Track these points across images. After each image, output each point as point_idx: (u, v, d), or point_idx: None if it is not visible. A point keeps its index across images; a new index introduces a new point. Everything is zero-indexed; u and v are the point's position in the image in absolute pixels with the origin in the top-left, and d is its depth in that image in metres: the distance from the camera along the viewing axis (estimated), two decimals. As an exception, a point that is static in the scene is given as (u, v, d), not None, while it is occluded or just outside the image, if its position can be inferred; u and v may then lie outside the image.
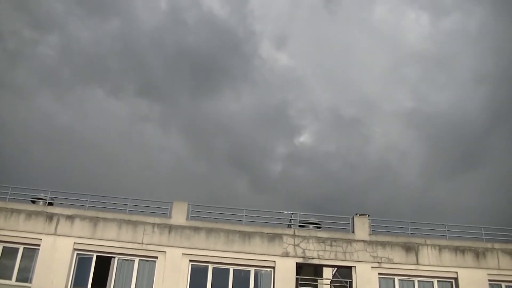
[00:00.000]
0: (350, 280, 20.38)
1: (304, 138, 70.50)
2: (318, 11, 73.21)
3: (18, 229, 20.13)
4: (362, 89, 68.80)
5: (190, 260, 20.20)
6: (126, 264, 20.24)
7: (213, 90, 70.38)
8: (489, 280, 20.80)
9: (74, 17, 67.89)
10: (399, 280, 20.76)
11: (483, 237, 21.65)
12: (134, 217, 20.65)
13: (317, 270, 21.96)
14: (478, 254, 21.10)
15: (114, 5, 70.69)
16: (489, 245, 21.34)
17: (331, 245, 20.71)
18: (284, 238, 20.63)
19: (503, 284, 21.01)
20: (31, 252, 20.05)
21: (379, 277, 20.56)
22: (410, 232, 21.49)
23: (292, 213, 21.79)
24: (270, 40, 74.40)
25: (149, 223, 20.53)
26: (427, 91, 68.44)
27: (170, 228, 20.49)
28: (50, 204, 21.44)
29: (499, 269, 20.95)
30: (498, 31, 66.83)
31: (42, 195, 21.55)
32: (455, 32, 69.41)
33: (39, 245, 19.93)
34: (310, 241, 20.68)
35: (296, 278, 20.11)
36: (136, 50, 68.85)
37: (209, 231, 20.56)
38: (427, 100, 66.95)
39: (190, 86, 71.19)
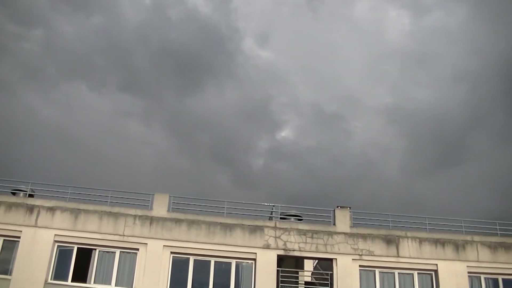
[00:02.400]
0: (331, 272, 20.48)
1: (286, 133, 71.21)
2: (301, 9, 74.08)
3: (-3, 220, 19.97)
4: (344, 85, 69.71)
5: (171, 252, 20.20)
6: (107, 256, 20.19)
7: (197, 86, 70.80)
8: (469, 273, 21.02)
9: (58, 12, 67.66)
10: (379, 272, 20.91)
11: (463, 230, 21.87)
12: (115, 209, 20.59)
13: (298, 262, 22.08)
14: (458, 246, 21.30)
15: (99, 0, 70.63)
16: (468, 238, 21.55)
17: (312, 237, 20.79)
18: (266, 230, 20.67)
19: (482, 276, 21.25)
20: (11, 244, 19.92)
21: (359, 269, 20.69)
22: (391, 225, 21.65)
23: (274, 205, 21.83)
24: (253, 37, 75.30)
25: (131, 215, 20.48)
26: (408, 88, 69.34)
27: (152, 220, 20.46)
28: (31, 196, 21.29)
29: (478, 261, 21.18)
30: (478, 31, 67.92)
31: (22, 187, 21.42)
32: (436, 30, 70.46)
33: (19, 237, 19.79)
34: (291, 233, 20.75)
35: (277, 270, 20.17)
36: (120, 46, 68.93)
37: (191, 223, 20.55)
38: (408, 97, 67.87)
39: (174, 82, 71.59)
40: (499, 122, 63.20)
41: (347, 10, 74.68)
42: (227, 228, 20.59)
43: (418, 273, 21.04)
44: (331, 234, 20.93)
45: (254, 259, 20.32)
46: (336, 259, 20.60)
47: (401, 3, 74.61)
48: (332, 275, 20.43)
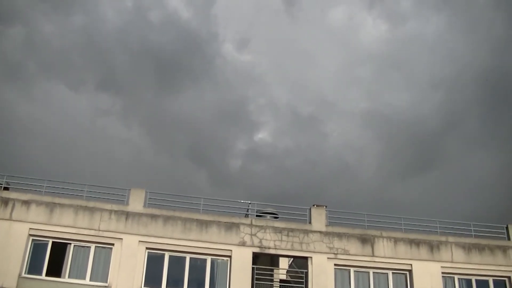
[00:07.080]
0: (306, 271, 20.56)
1: (263, 135, 72.36)
2: (279, 15, 75.30)
3: (-28, 213, 19.81)
4: (320, 88, 71.16)
5: (147, 248, 20.15)
6: (82, 250, 20.09)
7: (175, 88, 71.63)
8: (443, 273, 21.24)
9: (38, 10, 67.80)
10: (354, 271, 21.03)
11: (438, 230, 22.06)
12: (91, 204, 20.50)
13: (273, 260, 22.12)
14: (432, 247, 21.50)
15: (80, 1, 70.88)
16: (443, 238, 21.76)
17: (288, 235, 20.86)
18: (241, 227, 20.71)
19: (456, 277, 21.47)
20: (-15, 237, 19.75)
21: (334, 268, 20.79)
22: (366, 224, 21.78)
23: (250, 203, 21.86)
24: (232, 41, 76.44)
25: (106, 210, 20.41)
26: (383, 93, 70.68)
27: (127, 215, 20.41)
28: (6, 188, 21.12)
29: (452, 262, 21.40)
30: (453, 40, 69.62)
31: (-3, 180, 21.27)
32: (412, 38, 72.06)
33: (-7, 230, 19.64)
34: (267, 231, 20.81)
35: (253, 268, 20.21)
36: (100, 46, 69.27)
37: (166, 219, 20.54)
38: (384, 102, 69.08)
39: (153, 83, 72.16)
40: (472, 127, 64.79)
41: (324, 17, 76.13)
42: (203, 224, 20.60)
43: (392, 273, 21.19)
44: (306, 232, 21.02)
45: (230, 256, 20.34)
46: (311, 257, 20.69)
47: (378, 12, 76.11)
48: (307, 273, 20.51)
